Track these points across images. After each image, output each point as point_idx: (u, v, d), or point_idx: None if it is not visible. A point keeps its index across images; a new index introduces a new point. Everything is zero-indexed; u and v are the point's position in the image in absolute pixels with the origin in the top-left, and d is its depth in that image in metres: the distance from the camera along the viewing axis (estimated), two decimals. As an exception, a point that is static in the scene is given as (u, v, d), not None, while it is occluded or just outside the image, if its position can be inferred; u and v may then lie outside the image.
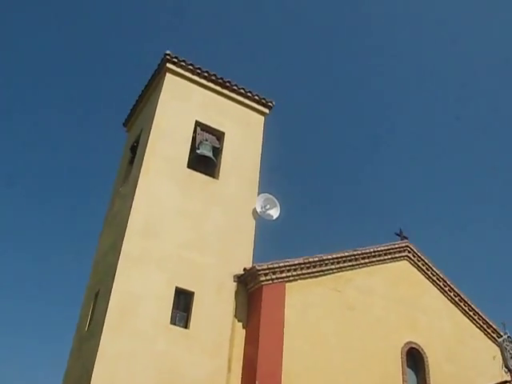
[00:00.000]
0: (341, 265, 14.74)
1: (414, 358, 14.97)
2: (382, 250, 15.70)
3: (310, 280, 14.14)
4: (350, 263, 14.92)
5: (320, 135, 39.31)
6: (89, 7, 39.32)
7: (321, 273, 14.36)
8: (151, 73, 16.28)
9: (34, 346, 34.68)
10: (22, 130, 38.71)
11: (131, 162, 15.78)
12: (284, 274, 13.70)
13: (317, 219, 35.12)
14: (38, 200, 37.99)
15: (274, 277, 13.52)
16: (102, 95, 41.59)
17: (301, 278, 13.99)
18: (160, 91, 15.21)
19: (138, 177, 13.74)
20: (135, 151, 15.55)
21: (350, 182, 39.67)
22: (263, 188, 15.37)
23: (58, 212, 38.36)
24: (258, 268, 13.39)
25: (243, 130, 16.04)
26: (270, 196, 15.10)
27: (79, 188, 38.95)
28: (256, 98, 16.52)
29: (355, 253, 15.06)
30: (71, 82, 40.47)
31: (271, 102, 16.72)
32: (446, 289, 16.53)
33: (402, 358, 14.58)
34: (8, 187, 35.99)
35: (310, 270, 14.15)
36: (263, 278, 13.39)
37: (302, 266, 14.01)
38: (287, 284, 13.72)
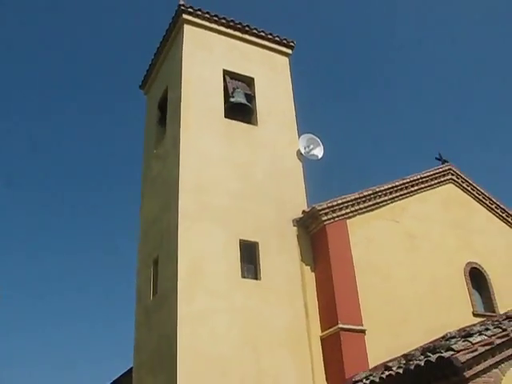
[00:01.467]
0: (393, 195, 14.37)
1: (477, 278, 14.73)
2: (428, 176, 15.33)
3: (367, 214, 13.77)
4: (401, 192, 14.55)
5: (343, 65, 39.19)
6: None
7: (376, 205, 13.99)
8: (164, 28, 15.49)
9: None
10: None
11: (160, 122, 15.14)
12: (343, 211, 13.30)
13: (358, 152, 34.97)
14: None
15: (334, 215, 13.11)
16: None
17: (359, 214, 13.62)
18: (181, 44, 14.42)
19: (179, 133, 13.07)
20: (164, 110, 14.87)
21: (384, 107, 39.32)
22: (302, 129, 14.84)
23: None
24: (318, 208, 12.95)
25: (271, 73, 15.38)
26: (312, 136, 14.56)
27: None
28: (277, 39, 15.82)
29: (405, 181, 14.68)
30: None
31: (292, 42, 16.06)
32: (493, 206, 16.24)
33: (465, 279, 14.39)
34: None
35: (366, 204, 13.77)
36: (324, 218, 12.96)
37: (359, 200, 13.62)
38: (348, 221, 13.36)
